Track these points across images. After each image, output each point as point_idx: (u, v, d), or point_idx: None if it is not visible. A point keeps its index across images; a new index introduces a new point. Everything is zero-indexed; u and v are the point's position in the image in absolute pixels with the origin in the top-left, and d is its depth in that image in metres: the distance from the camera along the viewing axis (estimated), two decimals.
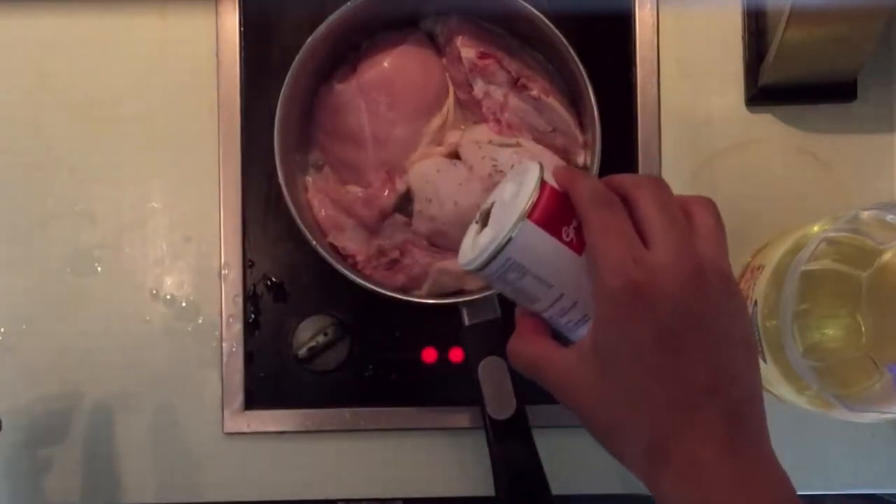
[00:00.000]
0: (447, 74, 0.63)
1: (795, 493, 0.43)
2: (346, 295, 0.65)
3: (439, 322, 0.65)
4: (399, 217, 0.63)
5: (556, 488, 0.56)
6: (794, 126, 0.67)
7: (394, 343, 0.66)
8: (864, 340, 0.50)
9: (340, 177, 0.63)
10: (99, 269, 0.67)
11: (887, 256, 0.50)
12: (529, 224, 0.43)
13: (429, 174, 0.61)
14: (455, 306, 0.59)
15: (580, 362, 0.44)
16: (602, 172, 0.56)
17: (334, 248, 0.63)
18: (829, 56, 0.61)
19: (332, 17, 0.58)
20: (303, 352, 0.65)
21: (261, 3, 0.67)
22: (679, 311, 0.42)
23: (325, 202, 0.63)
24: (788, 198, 0.67)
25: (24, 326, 0.67)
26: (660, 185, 0.45)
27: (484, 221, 0.46)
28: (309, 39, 0.59)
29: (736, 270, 0.66)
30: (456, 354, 0.66)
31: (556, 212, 0.44)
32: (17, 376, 0.65)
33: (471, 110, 0.63)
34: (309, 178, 0.64)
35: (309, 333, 0.65)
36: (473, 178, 0.60)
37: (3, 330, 0.67)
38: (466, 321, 0.58)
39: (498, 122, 0.62)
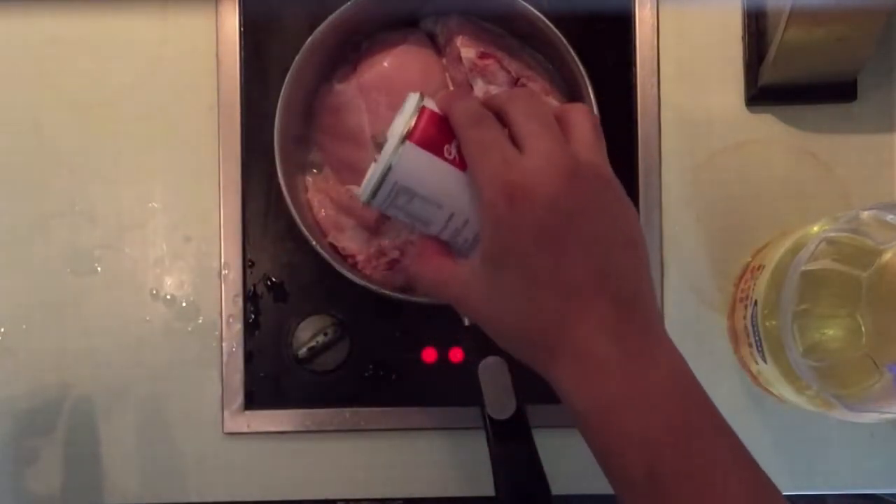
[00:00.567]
0: (447, 74, 0.63)
1: (690, 377, 0.44)
2: (346, 295, 0.65)
3: (439, 322, 0.64)
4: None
5: (556, 488, 0.56)
6: (794, 126, 0.67)
7: (394, 343, 0.66)
8: (864, 340, 0.50)
9: (340, 177, 0.63)
10: (99, 269, 0.68)
11: (887, 256, 0.51)
12: (410, 145, 0.45)
13: None
14: None
15: (473, 275, 0.46)
16: None
17: (334, 248, 0.63)
18: (829, 56, 0.61)
19: (332, 17, 0.58)
20: (303, 352, 0.65)
21: (261, 3, 0.67)
22: (555, 208, 0.43)
23: (325, 202, 0.63)
24: (788, 198, 0.67)
25: (24, 326, 0.67)
26: (531, 95, 0.47)
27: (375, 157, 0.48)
28: (309, 39, 0.59)
29: (736, 270, 0.67)
30: (456, 354, 0.66)
31: (435, 132, 0.45)
32: (17, 376, 0.65)
33: None
34: (309, 178, 0.64)
35: (309, 333, 0.65)
36: None
37: (2, 330, 0.67)
38: (466, 321, 0.58)
39: None
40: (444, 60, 0.63)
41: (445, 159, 0.46)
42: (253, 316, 0.67)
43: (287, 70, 0.58)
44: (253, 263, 0.67)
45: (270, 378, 0.66)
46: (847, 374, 0.52)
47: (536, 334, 0.44)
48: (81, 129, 0.68)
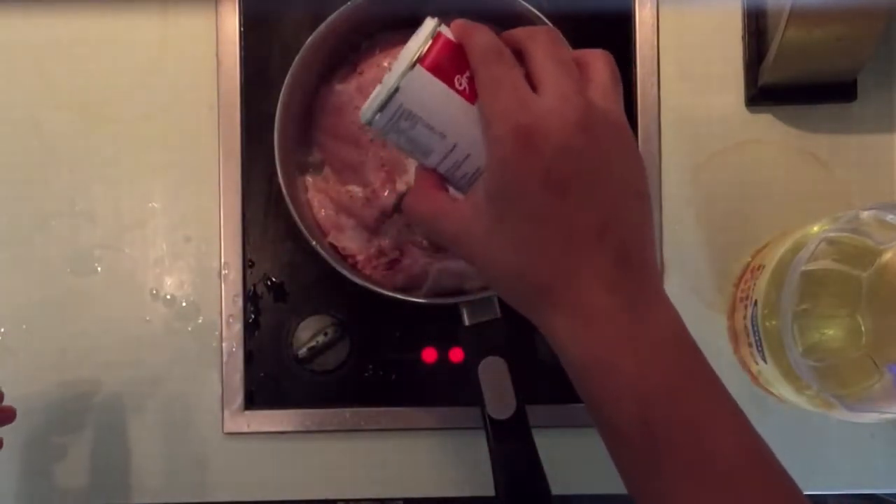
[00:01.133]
0: None
1: (686, 333, 0.44)
2: (346, 295, 0.65)
3: (439, 322, 0.65)
4: (399, 217, 0.63)
5: (556, 488, 0.56)
6: (794, 126, 0.67)
7: (394, 343, 0.66)
8: (864, 340, 0.50)
9: (340, 177, 0.63)
10: (99, 269, 0.68)
11: (887, 256, 0.51)
12: (420, 69, 0.44)
13: None
14: (455, 306, 0.59)
15: (474, 212, 0.44)
16: None
17: (334, 248, 0.63)
18: (829, 56, 0.61)
19: (332, 17, 0.58)
20: (303, 352, 0.65)
21: (261, 3, 0.67)
22: (566, 153, 0.42)
23: (325, 202, 0.63)
24: (788, 198, 0.67)
25: (24, 326, 0.67)
26: (553, 35, 0.45)
27: None
28: (309, 39, 0.59)
29: (736, 270, 0.67)
30: (456, 354, 0.66)
31: (448, 60, 0.44)
32: (16, 376, 0.65)
33: None
34: (309, 178, 0.64)
35: (309, 333, 0.65)
36: None
37: (3, 330, 0.67)
38: (466, 321, 0.58)
39: None
40: None
41: (455, 89, 0.44)
42: (253, 316, 0.67)
43: (287, 70, 0.58)
44: (253, 263, 0.67)
45: (270, 378, 0.66)
46: (847, 374, 0.52)
47: (535, 278, 0.43)
48: (81, 129, 0.68)
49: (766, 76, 0.65)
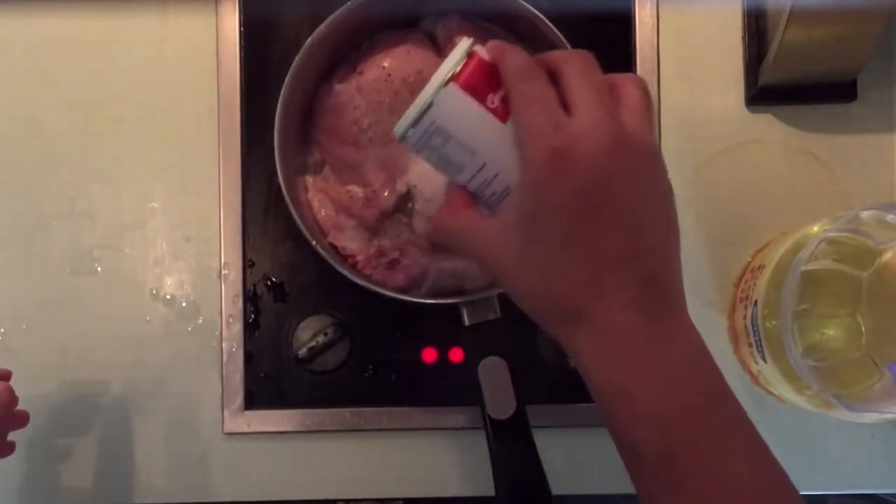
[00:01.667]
0: None
1: (708, 359, 0.44)
2: (346, 295, 0.65)
3: (439, 322, 0.65)
4: (399, 217, 0.63)
5: (556, 488, 0.56)
6: (794, 126, 0.67)
7: (394, 343, 0.66)
8: (864, 340, 0.50)
9: (340, 177, 0.63)
10: (99, 269, 0.68)
11: (887, 256, 0.51)
12: (453, 87, 0.45)
13: (429, 174, 0.61)
14: (455, 306, 0.59)
15: (504, 231, 0.45)
16: None
17: (334, 248, 0.63)
18: (829, 56, 0.61)
19: (332, 17, 0.58)
20: (303, 352, 0.65)
21: (261, 3, 0.67)
22: (597, 177, 0.42)
23: (325, 202, 0.63)
24: (788, 198, 0.67)
25: (24, 326, 0.67)
26: (587, 58, 0.45)
27: None
28: (309, 39, 0.59)
29: (736, 270, 0.67)
30: (456, 354, 0.66)
31: (481, 79, 0.45)
32: (17, 376, 0.65)
33: None
34: (309, 178, 0.64)
35: (309, 333, 0.65)
36: None
37: (3, 330, 0.67)
38: (466, 321, 0.58)
39: None
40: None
41: (488, 108, 0.45)
42: (253, 316, 0.67)
43: (287, 70, 0.58)
44: (253, 263, 0.67)
45: (270, 378, 0.66)
46: (847, 374, 0.52)
47: (562, 299, 0.44)
48: (81, 129, 0.68)
49: (766, 76, 0.65)
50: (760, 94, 0.67)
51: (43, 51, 0.68)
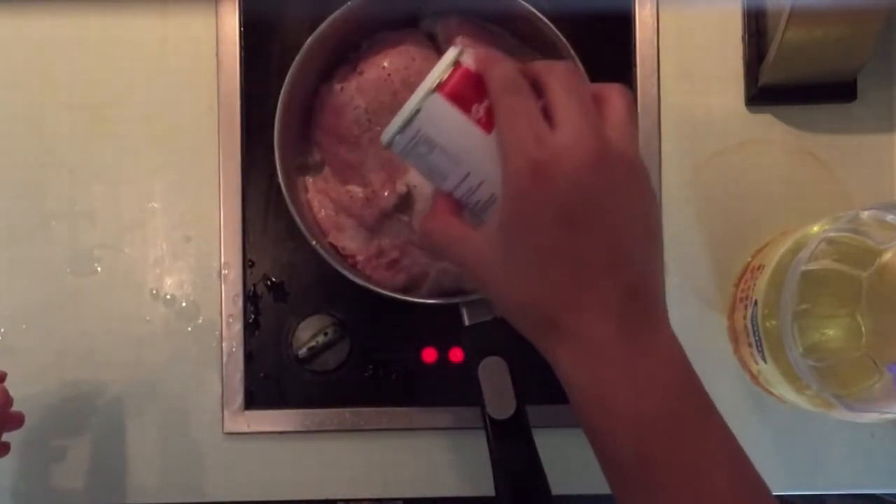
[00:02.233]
0: None
1: (686, 368, 0.44)
2: (346, 295, 0.65)
3: (439, 322, 0.65)
4: (399, 217, 0.63)
5: (556, 488, 0.56)
6: (794, 126, 0.67)
7: (394, 343, 0.66)
8: (864, 340, 0.50)
9: (340, 177, 0.63)
10: (99, 269, 0.67)
11: (887, 256, 0.51)
12: (438, 97, 0.45)
13: None
14: (455, 306, 0.59)
15: (487, 242, 0.45)
16: None
17: (334, 248, 0.63)
18: (829, 56, 0.61)
19: (332, 17, 0.58)
20: (303, 352, 0.65)
21: (261, 3, 0.67)
22: (578, 191, 0.43)
23: (325, 202, 0.63)
24: (788, 198, 0.67)
25: (24, 326, 0.67)
26: (571, 70, 0.46)
27: None
28: (309, 39, 0.59)
29: (736, 270, 0.67)
30: (456, 354, 0.66)
31: (466, 89, 0.45)
32: (16, 376, 0.65)
33: None
34: (309, 178, 0.64)
35: (309, 333, 0.65)
36: None
37: (3, 330, 0.67)
38: (466, 321, 0.58)
39: None
40: None
41: (472, 118, 0.45)
42: (253, 316, 0.67)
43: (287, 70, 0.58)
44: (253, 263, 0.67)
45: (270, 378, 0.66)
46: (847, 374, 0.52)
47: (543, 310, 0.44)
48: (81, 129, 0.68)
49: (766, 76, 0.65)
50: (760, 94, 0.67)
51: (43, 51, 0.68)
